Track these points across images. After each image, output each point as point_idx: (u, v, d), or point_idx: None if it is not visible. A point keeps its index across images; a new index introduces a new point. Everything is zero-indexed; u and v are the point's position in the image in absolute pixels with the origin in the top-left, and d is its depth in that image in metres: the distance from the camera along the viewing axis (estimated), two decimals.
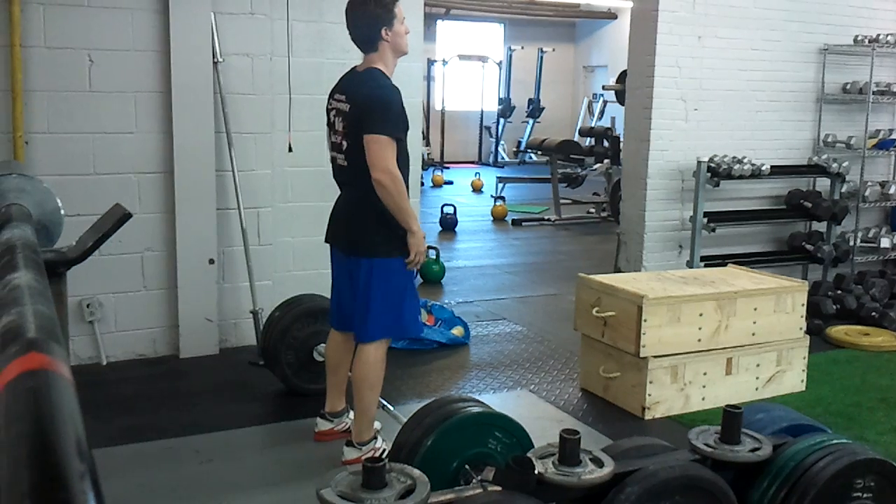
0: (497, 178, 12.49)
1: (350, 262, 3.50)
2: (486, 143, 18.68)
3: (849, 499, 2.66)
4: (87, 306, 4.77)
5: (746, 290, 4.49)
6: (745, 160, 6.51)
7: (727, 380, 4.45)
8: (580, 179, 12.08)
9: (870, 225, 7.36)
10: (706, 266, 6.06)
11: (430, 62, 17.25)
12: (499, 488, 2.48)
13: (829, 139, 7.11)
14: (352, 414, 3.71)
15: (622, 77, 9.28)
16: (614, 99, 12.26)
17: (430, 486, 2.37)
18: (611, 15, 18.19)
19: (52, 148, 4.62)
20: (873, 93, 6.94)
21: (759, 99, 6.89)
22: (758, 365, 4.54)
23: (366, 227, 3.41)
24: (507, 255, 8.86)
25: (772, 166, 6.65)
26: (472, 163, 18.32)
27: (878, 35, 6.87)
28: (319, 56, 5.20)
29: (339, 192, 3.62)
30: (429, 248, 7.18)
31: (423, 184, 11.65)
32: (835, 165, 6.85)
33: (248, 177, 5.08)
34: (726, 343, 4.42)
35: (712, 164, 6.39)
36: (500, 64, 18.42)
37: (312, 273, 5.16)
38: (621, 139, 9.34)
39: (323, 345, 3.99)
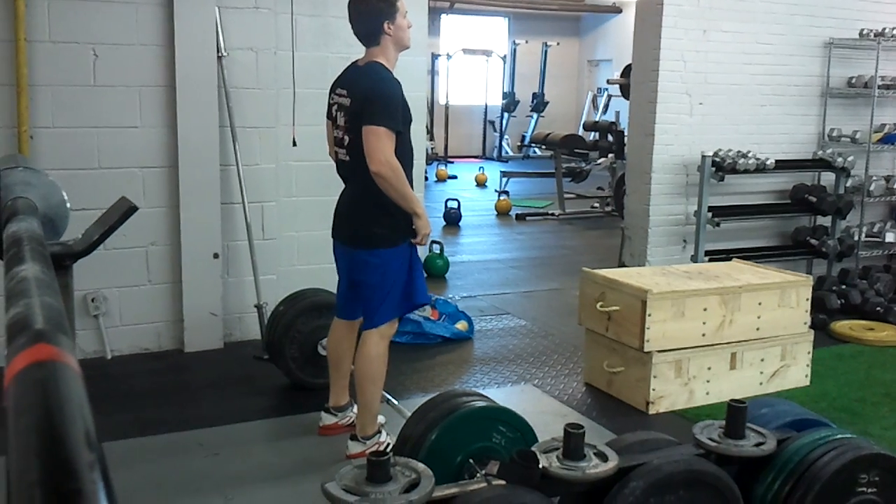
0: (501, 172, 12.48)
1: (353, 255, 3.51)
2: (490, 138, 18.67)
3: (853, 493, 2.66)
4: (92, 300, 4.78)
5: (751, 284, 4.48)
6: (750, 154, 6.49)
7: (731, 374, 4.44)
8: (584, 174, 12.06)
9: (875, 219, 7.34)
10: (710, 261, 6.05)
11: (434, 56, 17.23)
12: (503, 482, 2.49)
13: (835, 133, 7.09)
14: (356, 408, 3.71)
15: (627, 71, 9.26)
16: (619, 93, 12.24)
17: (434, 479, 2.38)
18: (615, 9, 18.16)
19: (57, 142, 4.62)
20: (879, 87, 6.91)
21: (764, 93, 6.87)
22: (762, 359, 4.54)
23: (367, 221, 3.41)
24: (511, 250, 8.85)
25: (776, 161, 6.64)
26: (476, 157, 18.30)
27: (884, 29, 6.84)
28: (323, 50, 5.20)
29: (342, 187, 3.63)
30: (433, 242, 7.19)
31: (426, 178, 11.64)
32: (840, 160, 6.83)
33: (253, 171, 5.08)
34: (731, 338, 4.42)
35: (717, 159, 6.37)
36: (504, 58, 18.40)
37: (316, 267, 5.17)
38: (626, 133, 9.32)
39: (327, 339, 3.99)
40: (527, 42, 18.17)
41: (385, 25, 3.38)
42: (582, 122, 16.37)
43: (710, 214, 6.40)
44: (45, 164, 4.26)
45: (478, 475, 2.63)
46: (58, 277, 1.21)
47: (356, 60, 3.54)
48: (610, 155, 11.43)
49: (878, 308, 6.04)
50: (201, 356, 4.96)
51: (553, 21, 18.88)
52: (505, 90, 18.29)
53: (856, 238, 7.00)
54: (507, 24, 19.15)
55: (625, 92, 9.78)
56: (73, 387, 0.67)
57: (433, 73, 17.22)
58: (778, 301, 4.54)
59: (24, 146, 4.49)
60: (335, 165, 3.58)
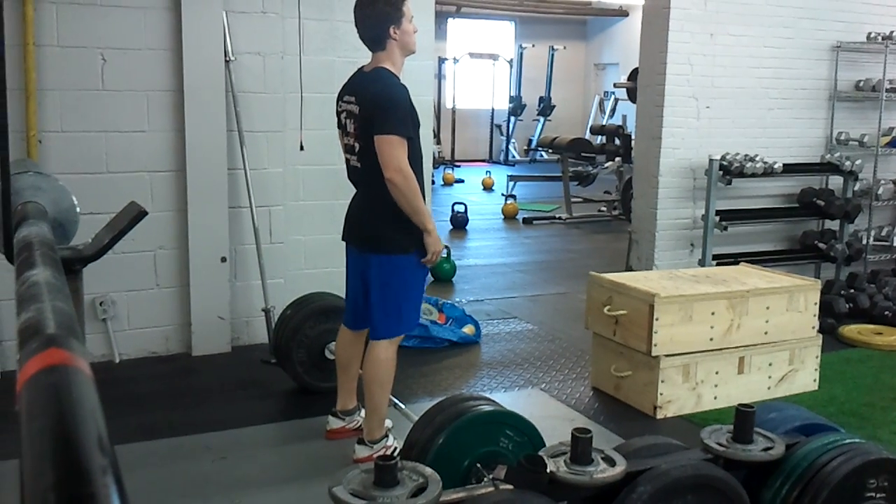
0: (508, 176, 12.48)
1: (364, 260, 3.51)
2: (496, 142, 18.67)
3: (862, 498, 2.65)
4: (100, 304, 4.79)
5: (759, 288, 4.47)
6: (758, 158, 6.48)
7: (739, 379, 4.43)
8: (591, 177, 12.06)
9: (883, 223, 7.32)
10: (718, 264, 6.04)
11: (441, 60, 17.24)
12: (511, 487, 2.48)
13: (842, 137, 7.07)
14: (363, 412, 3.71)
15: (633, 75, 9.26)
16: (626, 97, 12.24)
17: (441, 484, 2.38)
18: (622, 12, 18.15)
19: (65, 146, 4.64)
20: (886, 90, 6.89)
21: (772, 97, 6.86)
22: (770, 364, 4.53)
23: (380, 225, 3.42)
24: (518, 254, 8.85)
25: (784, 164, 6.63)
26: (483, 161, 18.31)
27: (892, 32, 6.83)
28: (331, 54, 5.21)
29: (351, 191, 3.64)
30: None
31: (433, 182, 11.66)
32: (847, 163, 6.81)
33: (260, 175, 5.09)
34: (738, 342, 4.41)
35: (724, 162, 6.37)
36: (510, 62, 18.41)
37: (324, 271, 5.18)
38: (633, 137, 9.32)
39: (334, 343, 4.00)
40: (533, 46, 18.17)
41: (391, 30, 3.39)
42: (589, 126, 16.35)
43: (717, 218, 6.39)
44: (53, 168, 4.28)
45: (485, 479, 2.63)
46: (68, 282, 1.22)
47: (362, 66, 3.54)
48: (617, 158, 11.43)
49: (887, 312, 6.02)
50: (209, 360, 4.97)
51: (559, 25, 18.88)
52: (512, 94, 18.29)
53: (864, 242, 6.98)
54: (514, 28, 19.16)
55: (632, 95, 9.77)
56: (86, 391, 0.67)
57: (440, 77, 17.23)
58: (786, 305, 4.53)
59: (32, 150, 4.51)
60: (346, 171, 3.59)
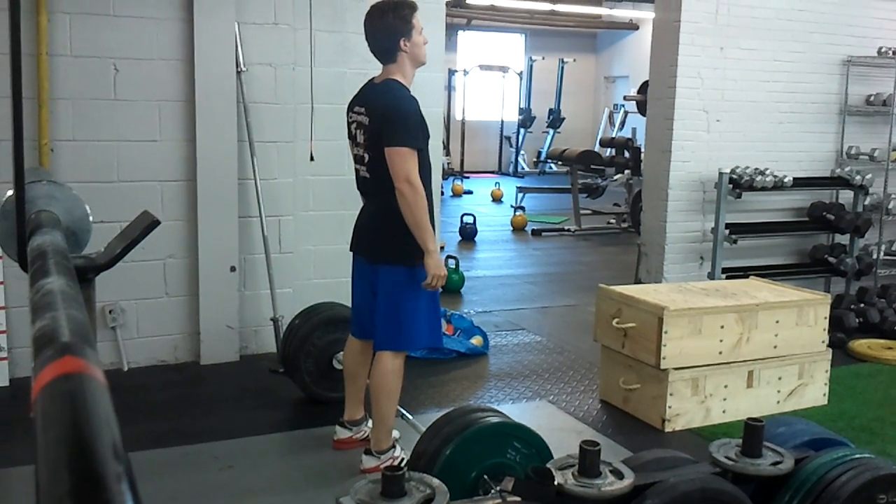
0: (517, 188, 12.49)
1: (373, 271, 3.52)
2: (506, 153, 18.69)
3: None
4: (110, 312, 4.81)
5: (768, 302, 4.46)
6: (768, 172, 6.47)
7: (748, 393, 4.42)
8: (601, 190, 12.05)
9: (893, 238, 7.29)
10: (728, 278, 6.03)
11: (451, 72, 17.30)
12: (518, 499, 2.48)
13: (853, 151, 7.05)
14: (370, 422, 3.71)
15: (644, 88, 9.27)
16: (635, 109, 12.25)
17: (449, 495, 2.37)
18: (632, 26, 18.18)
19: (77, 155, 4.67)
20: None
21: (782, 110, 6.85)
22: (779, 378, 4.51)
23: (389, 236, 3.42)
24: (527, 266, 8.85)
25: (794, 178, 6.61)
26: (492, 173, 18.33)
27: None
28: (341, 66, 5.23)
29: (360, 202, 3.65)
30: (448, 257, 7.20)
31: (442, 193, 11.68)
32: (858, 178, 6.80)
33: (270, 185, 5.11)
34: (748, 356, 4.39)
35: (734, 176, 6.36)
36: (520, 74, 18.45)
37: (333, 281, 5.18)
38: (642, 150, 9.31)
39: (342, 353, 4.00)
40: (543, 58, 18.20)
41: (401, 42, 3.40)
42: (598, 139, 16.35)
43: (727, 231, 6.38)
44: (64, 177, 4.30)
45: (492, 491, 2.62)
46: (81, 290, 1.23)
47: (373, 78, 3.56)
48: (626, 171, 11.42)
49: None
50: (217, 369, 4.98)
51: (570, 38, 18.91)
52: (521, 106, 18.32)
53: (874, 256, 6.95)
54: (524, 41, 19.21)
55: (641, 108, 9.78)
56: (100, 399, 0.68)
57: (450, 88, 17.28)
58: (795, 319, 4.51)
59: (44, 159, 4.54)
60: (355, 182, 3.60)
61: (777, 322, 4.45)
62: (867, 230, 6.85)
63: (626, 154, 11.62)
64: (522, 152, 18.24)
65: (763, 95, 6.74)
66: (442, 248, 7.33)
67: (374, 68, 3.60)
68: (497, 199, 14.01)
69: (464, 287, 7.32)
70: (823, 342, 4.65)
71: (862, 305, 6.29)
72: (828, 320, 4.66)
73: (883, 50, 6.94)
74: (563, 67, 17.83)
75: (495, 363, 5.35)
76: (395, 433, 3.67)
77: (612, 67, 19.44)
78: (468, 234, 10.08)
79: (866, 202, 6.94)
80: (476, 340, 5.51)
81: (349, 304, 3.89)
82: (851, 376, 5.15)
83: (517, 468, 2.81)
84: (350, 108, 3.57)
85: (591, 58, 19.68)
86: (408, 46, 3.42)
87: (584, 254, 9.66)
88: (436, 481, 2.44)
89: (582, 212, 11.15)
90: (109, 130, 4.73)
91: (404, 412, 4.02)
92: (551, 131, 17.62)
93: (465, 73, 17.85)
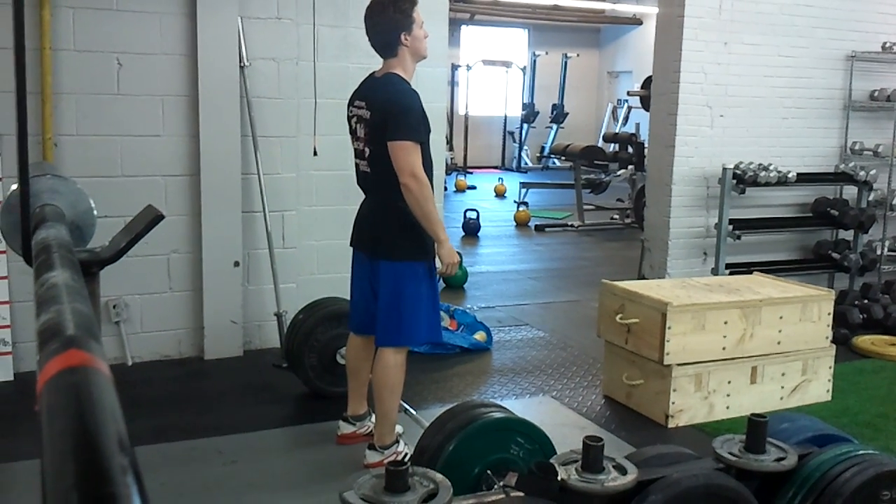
0: (520, 183, 12.49)
1: (373, 266, 3.52)
2: (509, 149, 18.68)
3: None
4: (114, 307, 4.82)
5: (772, 298, 4.46)
6: (772, 167, 6.46)
7: (752, 388, 4.41)
8: (604, 185, 12.04)
9: None
10: (731, 274, 6.02)
11: (455, 67, 17.28)
12: (521, 494, 2.48)
13: (857, 147, 7.04)
14: (374, 417, 3.72)
15: (647, 83, 9.25)
16: (639, 105, 12.21)
17: (452, 490, 2.37)
18: (636, 21, 18.15)
19: (81, 150, 4.67)
20: None
21: (786, 106, 6.84)
22: (783, 374, 4.51)
23: (390, 231, 3.42)
24: (530, 261, 8.85)
25: (798, 174, 6.60)
26: (496, 168, 18.32)
27: None
28: (344, 61, 5.23)
29: (363, 197, 3.65)
30: None
31: (446, 188, 11.66)
32: (862, 173, 6.78)
33: (274, 180, 5.11)
34: (751, 351, 4.39)
35: (738, 171, 6.35)
36: (524, 69, 18.43)
37: (336, 276, 5.18)
38: (646, 145, 9.30)
39: (345, 348, 4.00)
40: (547, 53, 18.19)
41: (402, 36, 3.40)
42: (602, 134, 16.36)
43: (730, 227, 6.37)
44: (68, 172, 4.27)
45: (496, 486, 2.62)
46: (86, 284, 1.23)
47: (373, 72, 3.56)
48: (630, 166, 11.41)
49: None
50: (221, 364, 4.98)
51: (573, 33, 18.89)
52: (525, 101, 18.31)
53: (878, 252, 6.94)
54: (528, 36, 19.18)
55: (645, 103, 9.76)
56: (106, 392, 0.68)
57: (453, 83, 17.26)
58: (799, 315, 4.51)
59: (48, 153, 4.54)
60: (356, 176, 3.60)
61: (781, 318, 4.44)
62: (871, 226, 6.84)
63: (630, 149, 11.61)
64: (526, 148, 18.24)
65: (767, 91, 6.72)
66: None
67: (376, 63, 3.60)
68: (500, 194, 14.01)
69: (467, 282, 7.32)
70: (827, 338, 4.65)
71: (866, 301, 6.28)
72: (831, 316, 4.65)
73: (887, 45, 6.92)
74: (566, 62, 17.81)
75: (498, 358, 5.35)
76: (399, 428, 3.67)
77: (615, 62, 19.41)
78: (471, 229, 10.09)
79: (870, 198, 6.92)
80: (479, 336, 5.51)
81: None
82: (855, 372, 5.15)
83: (520, 463, 2.81)
84: (351, 103, 3.57)
85: (595, 53, 19.65)
86: (408, 40, 3.41)
87: (588, 249, 9.65)
88: (439, 476, 2.44)
89: (585, 207, 11.15)
90: (113, 125, 4.73)
91: (407, 407, 4.03)
92: (554, 126, 17.61)
93: (469, 68, 17.83)
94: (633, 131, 13.23)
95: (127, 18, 4.69)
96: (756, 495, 2.63)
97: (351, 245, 3.69)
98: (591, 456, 2.53)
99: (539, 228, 10.70)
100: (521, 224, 10.99)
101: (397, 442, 3.60)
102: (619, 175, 11.88)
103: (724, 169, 6.29)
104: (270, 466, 3.68)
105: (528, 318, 6.32)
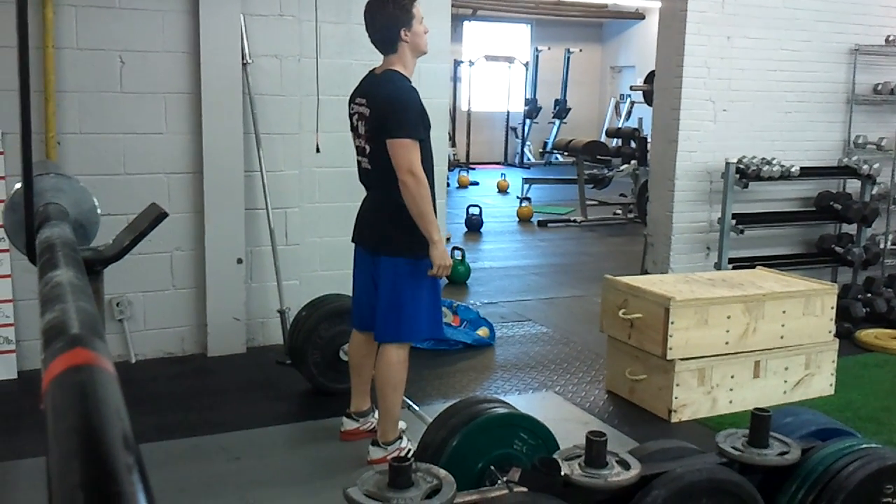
0: (523, 178, 12.47)
1: (374, 262, 3.52)
2: (512, 144, 18.65)
3: None
4: (117, 305, 4.83)
5: (775, 292, 4.45)
6: (775, 161, 6.45)
7: (755, 383, 4.42)
8: (607, 180, 12.02)
9: None
10: (734, 268, 6.02)
11: (457, 63, 17.25)
12: (525, 489, 2.49)
13: (860, 140, 7.03)
14: (377, 414, 3.72)
15: (650, 77, 9.24)
16: (642, 99, 12.20)
17: (455, 486, 2.38)
18: (638, 15, 18.10)
19: (84, 148, 4.68)
20: None
21: (789, 100, 6.83)
22: (786, 368, 4.51)
23: (391, 227, 3.42)
24: (533, 257, 8.84)
25: (801, 168, 6.59)
26: (498, 164, 18.30)
27: None
28: (347, 57, 5.22)
29: (365, 193, 3.65)
30: (454, 248, 7.20)
31: (448, 184, 11.65)
32: (865, 167, 6.77)
33: (276, 177, 5.12)
34: (754, 346, 4.39)
35: (741, 166, 6.34)
36: (526, 65, 18.39)
37: (339, 273, 5.17)
38: (649, 140, 9.29)
39: (348, 344, 4.01)
40: (549, 48, 18.15)
41: (402, 32, 3.40)
42: (604, 129, 16.32)
43: (733, 222, 6.36)
44: (71, 170, 4.31)
45: (499, 482, 2.63)
46: (90, 282, 1.23)
47: (374, 69, 3.56)
48: (632, 161, 11.39)
49: None
50: (224, 361, 4.99)
51: (575, 27, 18.84)
52: (527, 97, 18.27)
53: (881, 246, 6.93)
54: (530, 31, 19.14)
55: (648, 98, 9.75)
56: (111, 390, 0.68)
57: (455, 79, 17.24)
58: (802, 309, 4.51)
59: (51, 152, 4.55)
60: (357, 173, 3.60)
61: (784, 312, 4.44)
62: (874, 220, 6.83)
63: (633, 144, 11.58)
64: (528, 143, 18.21)
65: (770, 85, 6.71)
66: (448, 239, 7.34)
67: (379, 59, 3.59)
68: (503, 190, 14.00)
69: (470, 278, 7.32)
70: (830, 332, 4.65)
71: (869, 295, 6.27)
72: (835, 310, 4.65)
73: (891, 38, 6.91)
74: (568, 57, 17.77)
75: (501, 354, 5.36)
76: (402, 424, 3.68)
77: (618, 57, 19.36)
78: (474, 225, 10.08)
79: (874, 191, 6.91)
80: (482, 331, 5.52)
81: None
82: (858, 366, 5.15)
83: (524, 459, 2.82)
84: (352, 100, 3.57)
85: (598, 48, 19.61)
86: (408, 36, 3.41)
87: (591, 244, 9.65)
88: (443, 472, 2.44)
89: (588, 202, 11.13)
90: (116, 123, 4.74)
91: (411, 403, 4.03)
92: (557, 122, 17.58)
93: (471, 63, 17.80)
94: (636, 126, 13.18)
95: (129, 16, 4.69)
96: (759, 489, 2.64)
97: (353, 241, 3.69)
98: (595, 451, 2.54)
99: (542, 224, 10.70)
100: (523, 220, 10.98)
101: (400, 438, 3.61)
102: (621, 170, 11.86)
103: (728, 163, 6.28)
104: (274, 463, 3.69)
105: (531, 314, 6.32)
